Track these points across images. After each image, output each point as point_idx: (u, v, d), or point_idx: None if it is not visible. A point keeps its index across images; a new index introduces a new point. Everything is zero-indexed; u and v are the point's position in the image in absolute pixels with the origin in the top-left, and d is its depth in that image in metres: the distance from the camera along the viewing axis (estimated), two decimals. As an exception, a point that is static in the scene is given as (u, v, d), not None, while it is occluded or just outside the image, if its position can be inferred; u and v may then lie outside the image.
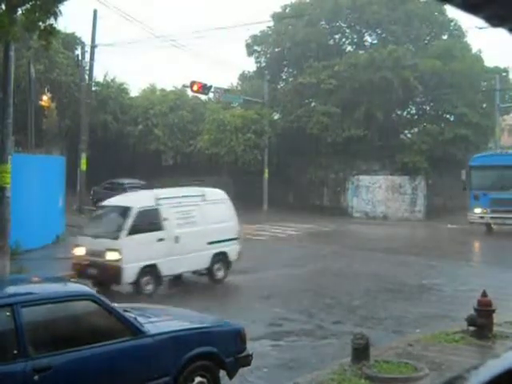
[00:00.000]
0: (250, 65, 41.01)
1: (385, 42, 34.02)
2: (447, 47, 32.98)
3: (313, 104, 34.28)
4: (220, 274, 14.12)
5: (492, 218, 23.84)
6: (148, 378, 6.00)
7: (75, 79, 31.43)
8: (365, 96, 31.29)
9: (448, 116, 33.62)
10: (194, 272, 14.08)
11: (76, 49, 33.23)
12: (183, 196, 13.90)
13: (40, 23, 12.86)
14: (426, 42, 35.84)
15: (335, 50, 35.61)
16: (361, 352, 7.49)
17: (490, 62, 36.00)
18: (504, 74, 34.43)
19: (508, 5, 1.18)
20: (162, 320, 6.85)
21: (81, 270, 12.50)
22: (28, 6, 12.90)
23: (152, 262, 12.41)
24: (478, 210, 24.05)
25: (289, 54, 36.56)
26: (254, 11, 67.74)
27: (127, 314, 6.14)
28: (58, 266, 14.21)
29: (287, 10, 37.33)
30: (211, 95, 33.98)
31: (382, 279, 14.86)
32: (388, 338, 9.52)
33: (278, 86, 37.43)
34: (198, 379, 6.39)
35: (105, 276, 12.25)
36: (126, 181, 29.97)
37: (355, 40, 37.33)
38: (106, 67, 54.06)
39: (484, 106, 33.41)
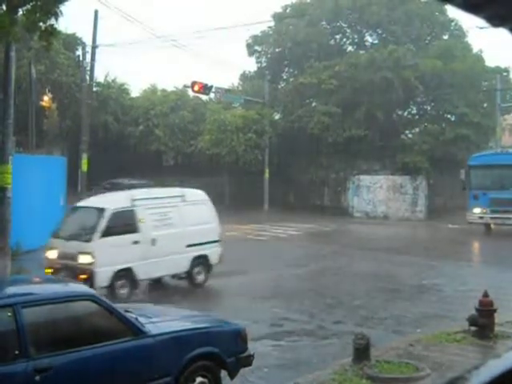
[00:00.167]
0: (251, 65, 41.10)
1: (385, 42, 34.03)
2: (448, 47, 32.98)
3: (313, 104, 34.30)
4: (200, 277, 13.61)
5: (492, 218, 23.54)
6: (149, 379, 6.00)
7: (76, 80, 31.44)
8: (365, 96, 31.29)
9: (449, 116, 33.63)
10: (173, 276, 13.56)
11: (77, 49, 33.24)
12: (161, 197, 13.43)
13: (41, 24, 12.86)
14: (426, 41, 35.85)
15: (336, 50, 35.62)
16: (362, 352, 7.49)
17: (490, 61, 35.99)
18: (505, 73, 34.42)
19: (509, 4, 1.18)
20: (163, 320, 6.85)
21: (53, 274, 11.75)
22: (29, 6, 12.91)
23: (127, 265, 11.97)
24: (477, 210, 23.74)
25: (289, 54, 36.58)
26: (255, 11, 67.82)
27: (128, 315, 6.14)
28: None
29: (288, 10, 37.35)
30: (212, 95, 34.01)
31: (383, 279, 14.86)
32: (389, 337, 9.52)
33: (279, 86, 37.45)
34: (199, 379, 6.39)
35: (77, 280, 11.27)
36: (126, 181, 29.97)
37: (356, 40, 37.35)
38: (107, 68, 53.98)
39: (485, 105, 33.43)
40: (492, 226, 24.14)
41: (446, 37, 36.24)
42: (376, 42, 36.15)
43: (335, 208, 32.46)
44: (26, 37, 18.95)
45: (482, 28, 22.47)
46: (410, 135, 35.42)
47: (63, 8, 13.19)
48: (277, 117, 36.16)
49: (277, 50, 37.55)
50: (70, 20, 28.31)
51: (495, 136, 33.13)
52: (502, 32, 1.28)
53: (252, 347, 7.25)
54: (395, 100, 32.11)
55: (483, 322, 8.69)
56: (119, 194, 13.66)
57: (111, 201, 13.10)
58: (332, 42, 37.00)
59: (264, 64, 38.30)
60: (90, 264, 11.52)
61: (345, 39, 37.78)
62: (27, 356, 5.20)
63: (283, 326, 10.31)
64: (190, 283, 13.49)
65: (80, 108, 29.54)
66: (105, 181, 30.45)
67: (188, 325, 6.90)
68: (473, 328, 8.82)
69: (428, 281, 14.49)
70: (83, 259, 11.62)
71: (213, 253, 13.77)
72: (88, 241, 11.85)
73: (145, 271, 12.32)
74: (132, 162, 36.66)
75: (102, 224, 11.92)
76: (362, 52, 34.81)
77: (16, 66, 16.56)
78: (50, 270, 11.80)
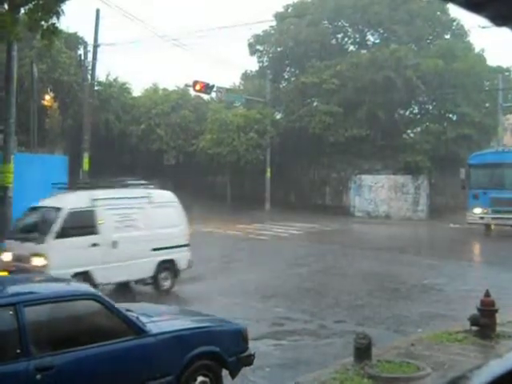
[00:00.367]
0: (253, 64, 41.11)
1: (387, 41, 34.02)
2: (450, 47, 32.96)
3: (315, 103, 34.29)
4: (166, 283, 12.91)
5: (493, 218, 23.01)
6: (150, 378, 6.00)
7: (78, 79, 31.44)
8: (367, 95, 31.28)
9: (450, 115, 33.61)
10: (137, 281, 12.77)
11: (78, 48, 33.25)
12: (124, 197, 12.55)
13: (43, 23, 12.89)
14: (428, 41, 35.81)
15: (337, 50, 35.61)
16: (363, 351, 7.48)
17: (492, 61, 35.98)
18: (507, 73, 34.37)
19: (511, 4, 1.18)
20: (164, 319, 6.86)
21: None
22: (31, 5, 12.94)
23: (84, 269, 11.12)
24: (477, 210, 23.21)
25: (291, 53, 36.57)
26: (257, 11, 67.75)
27: (129, 314, 6.15)
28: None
29: (289, 10, 37.35)
30: (213, 95, 34.00)
31: (384, 278, 14.86)
32: (390, 337, 9.52)
33: (281, 86, 37.45)
34: (200, 378, 6.39)
35: None
36: (127, 181, 29.96)
37: (357, 40, 37.33)
38: (109, 67, 53.98)
39: (487, 105, 33.42)
40: (492, 226, 23.76)
41: (447, 36, 36.20)
42: (378, 41, 36.15)
43: (337, 207, 32.45)
44: (28, 36, 18.98)
45: (484, 27, 22.48)
46: (411, 135, 35.39)
47: (65, 7, 13.22)
48: (278, 116, 36.17)
49: (278, 49, 37.55)
50: (72, 19, 28.34)
51: (497, 136, 33.10)
52: (504, 31, 1.28)
53: (253, 346, 7.25)
54: (397, 99, 32.09)
55: (485, 322, 8.69)
56: (78, 193, 12.89)
57: (69, 200, 12.25)
58: (333, 41, 36.99)
59: (265, 63, 38.30)
60: (43, 267, 10.78)
61: (346, 39, 37.77)
62: (29, 355, 5.20)
63: (284, 326, 10.31)
64: (156, 289, 12.74)
65: (81, 107, 29.58)
66: (105, 180, 30.46)
67: (189, 324, 6.91)
68: (474, 328, 8.82)
69: (429, 280, 14.48)
70: (36, 261, 10.96)
71: (180, 257, 13.04)
72: (41, 242, 11.20)
73: (104, 276, 11.46)
74: (133, 161, 36.70)
75: (57, 224, 11.28)
76: (363, 51, 34.80)
77: (18, 65, 16.59)
78: (4, 273, 10.82)
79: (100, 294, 6.19)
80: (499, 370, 1.37)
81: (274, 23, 37.29)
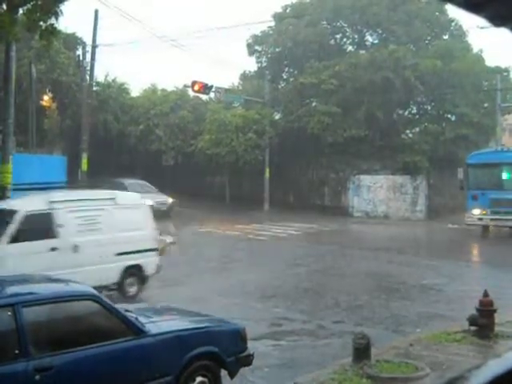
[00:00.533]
0: (251, 65, 41.16)
1: (386, 42, 34.02)
2: (448, 47, 32.98)
3: (314, 104, 34.28)
4: (133, 289, 12.28)
5: (492, 219, 22.46)
6: (149, 378, 6.01)
7: (76, 79, 31.45)
8: (366, 96, 31.29)
9: (449, 116, 33.61)
10: (101, 288, 11.75)
11: (77, 49, 33.24)
12: (86, 199, 11.97)
13: (41, 23, 12.89)
14: (426, 42, 35.82)
15: (336, 50, 35.61)
16: (362, 352, 7.49)
17: (491, 61, 36.00)
18: (505, 73, 34.38)
19: (510, 4, 1.18)
20: (163, 320, 6.86)
21: None
22: (29, 5, 12.93)
23: None
24: (476, 212, 22.63)
25: (290, 53, 36.56)
26: (255, 11, 67.78)
27: (128, 314, 6.15)
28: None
29: (288, 10, 37.33)
30: (212, 95, 34.01)
31: (383, 279, 14.87)
32: (389, 337, 9.53)
33: (279, 86, 37.44)
34: (199, 379, 6.40)
35: None
36: (127, 181, 29.98)
37: (356, 40, 37.33)
38: (107, 67, 54.12)
39: (485, 105, 33.41)
40: (491, 228, 23.26)
41: (446, 37, 36.20)
42: (376, 41, 36.13)
43: (335, 208, 32.46)
44: (27, 36, 18.97)
45: (482, 28, 22.52)
46: (410, 135, 35.40)
47: (63, 8, 13.22)
48: (277, 117, 36.14)
49: (277, 49, 37.53)
50: (70, 20, 28.32)
51: (495, 136, 33.11)
52: (502, 32, 1.28)
53: (252, 347, 7.26)
54: (395, 100, 32.11)
55: (483, 322, 8.70)
56: (37, 195, 12.20)
57: (25, 202, 11.64)
58: (332, 41, 36.98)
59: (264, 64, 38.29)
60: None
61: (345, 39, 37.77)
62: (27, 355, 5.21)
63: (283, 326, 10.32)
64: (121, 295, 11.96)
65: (80, 107, 29.57)
66: (105, 180, 30.45)
67: (188, 324, 6.91)
68: (473, 328, 8.83)
69: (428, 280, 14.50)
70: None
71: (148, 262, 12.38)
72: None
73: None
74: (132, 162, 36.70)
75: (12, 228, 10.65)
76: (362, 52, 34.79)
77: (16, 65, 16.58)
78: None
79: (99, 294, 6.19)
80: (498, 369, 1.37)
81: (272, 24, 37.31)
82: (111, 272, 11.67)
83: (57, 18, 13.09)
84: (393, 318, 10.92)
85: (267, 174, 33.32)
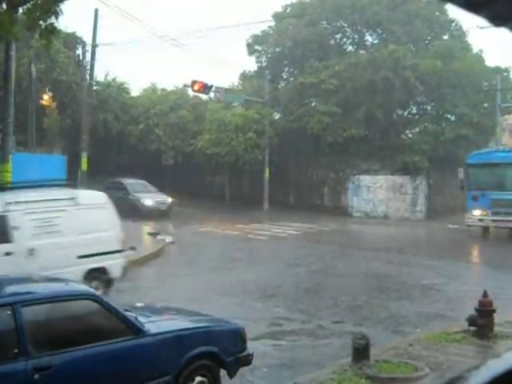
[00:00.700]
0: (251, 64, 41.05)
1: (385, 41, 34.00)
2: (448, 47, 32.97)
3: (313, 104, 34.28)
4: (97, 293, 11.69)
5: (493, 220, 21.98)
6: (149, 378, 6.00)
7: (76, 79, 31.45)
8: (365, 96, 31.29)
9: (449, 116, 33.61)
10: None
11: (77, 48, 33.24)
12: (45, 200, 11.06)
13: (41, 22, 12.88)
14: (426, 42, 35.82)
15: (336, 50, 35.61)
16: (361, 352, 7.48)
17: (491, 61, 36.03)
18: (505, 73, 34.39)
19: (510, 4, 1.18)
20: (162, 319, 6.86)
21: None
22: (29, 5, 12.93)
23: None
24: (477, 212, 22.19)
25: (289, 53, 36.56)
26: (255, 11, 67.80)
27: (128, 314, 6.15)
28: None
29: (288, 10, 37.33)
30: (212, 95, 34.00)
31: (383, 279, 14.87)
32: (388, 337, 9.53)
33: (279, 86, 37.44)
34: (198, 379, 6.39)
35: None
36: (126, 180, 30.00)
37: (356, 40, 37.33)
38: (107, 67, 54.05)
39: (485, 105, 33.40)
40: (491, 229, 22.88)
41: (446, 37, 36.21)
42: (376, 41, 36.13)
43: (335, 208, 32.46)
44: (27, 35, 18.96)
45: (482, 28, 22.50)
46: (409, 135, 35.40)
47: (63, 7, 13.22)
48: (277, 116, 36.14)
49: (277, 49, 37.54)
50: (70, 19, 28.31)
51: (495, 136, 33.11)
52: (502, 32, 1.28)
53: (251, 346, 7.25)
54: (395, 100, 32.10)
55: (482, 322, 8.70)
56: None
57: None
58: (332, 41, 36.98)
59: (264, 63, 38.29)
60: None
61: (345, 39, 37.76)
62: (27, 355, 5.21)
63: (283, 326, 10.31)
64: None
65: (80, 107, 29.57)
66: (105, 180, 30.45)
67: (187, 324, 6.91)
68: (472, 328, 8.83)
69: (428, 281, 14.50)
70: None
71: (113, 265, 11.65)
72: None
73: None
74: (132, 161, 36.70)
75: None
76: (362, 52, 34.79)
77: (16, 64, 16.57)
78: None
79: (98, 294, 6.19)
80: (497, 370, 1.37)
81: (272, 23, 37.33)
82: (72, 276, 10.52)
83: (57, 18, 13.09)
84: (392, 318, 10.92)
85: (267, 174, 33.32)
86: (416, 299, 12.71)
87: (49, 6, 12.71)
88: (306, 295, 13.00)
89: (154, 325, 6.34)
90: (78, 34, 34.21)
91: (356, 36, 37.30)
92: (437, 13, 35.31)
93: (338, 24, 36.79)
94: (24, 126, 25.13)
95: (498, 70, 33.52)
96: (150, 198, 28.75)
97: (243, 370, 7.11)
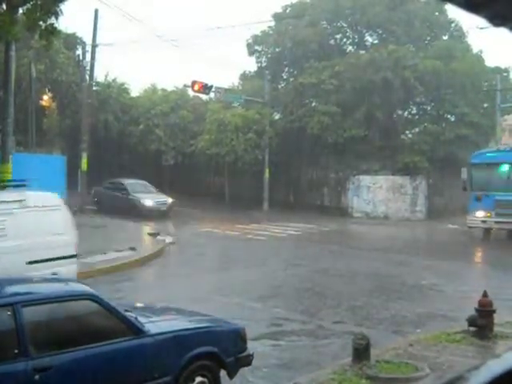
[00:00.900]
0: (251, 65, 41.06)
1: (385, 42, 34.00)
2: (448, 47, 32.98)
3: (313, 104, 34.27)
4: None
5: (496, 222, 21.27)
6: (149, 378, 6.00)
7: (76, 79, 31.47)
8: (365, 96, 31.29)
9: (449, 116, 33.59)
10: None
11: (77, 49, 33.27)
12: None
13: (41, 23, 12.89)
14: (426, 42, 35.84)
15: (336, 50, 35.61)
16: (361, 352, 7.48)
17: (490, 62, 36.04)
18: (505, 74, 34.43)
19: (510, 4, 1.18)
20: (162, 320, 6.86)
21: None
22: (29, 5, 12.93)
23: None
24: (480, 214, 21.51)
25: (289, 54, 36.57)
26: (255, 11, 67.80)
27: (128, 314, 6.14)
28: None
29: (288, 11, 37.34)
30: (212, 95, 33.97)
31: (383, 279, 14.87)
32: (388, 338, 9.53)
33: (279, 86, 37.44)
34: (198, 379, 6.39)
35: None
36: (126, 181, 29.99)
37: (356, 40, 37.34)
38: (107, 67, 54.13)
39: (485, 105, 33.41)
40: (492, 231, 22.31)
41: (445, 37, 36.24)
42: (376, 42, 36.13)
43: (335, 208, 32.46)
44: (27, 36, 18.97)
45: (482, 28, 22.45)
46: (409, 135, 35.39)
47: (63, 7, 13.22)
48: (277, 117, 36.14)
49: (277, 49, 37.54)
50: (71, 19, 28.33)
51: (495, 136, 33.13)
52: (502, 32, 1.28)
53: (251, 347, 7.25)
54: (395, 100, 32.10)
55: (482, 323, 8.70)
56: None
57: None
58: (332, 42, 36.98)
59: (264, 64, 38.29)
60: None
61: (345, 39, 37.77)
62: (27, 355, 5.20)
63: (283, 326, 10.31)
64: None
65: (80, 107, 29.60)
66: (105, 180, 30.47)
67: (188, 324, 6.90)
68: (472, 328, 8.83)
69: (428, 281, 14.50)
70: None
71: (66, 271, 10.62)
72: None
73: None
74: (132, 162, 36.71)
75: None
76: (362, 52, 34.79)
77: (16, 65, 16.57)
78: None
79: (98, 294, 6.18)
80: (497, 370, 1.37)
81: (272, 24, 37.33)
82: None
83: (57, 18, 13.10)
84: (392, 319, 10.92)
85: (267, 174, 33.32)
86: (416, 299, 12.70)
87: (49, 7, 12.72)
88: (306, 295, 13.00)
89: (154, 325, 6.33)
90: (78, 34, 34.28)
91: (356, 36, 37.31)
92: (436, 13, 35.34)
93: (338, 24, 36.79)
94: (24, 127, 25.13)
95: (497, 71, 33.55)
96: (150, 199, 28.75)
97: (243, 371, 7.11)
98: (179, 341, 6.31)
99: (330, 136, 31.95)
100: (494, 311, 8.79)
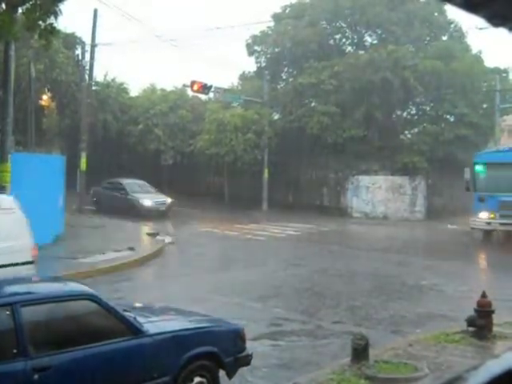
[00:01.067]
0: (250, 65, 41.05)
1: (385, 42, 34.01)
2: (447, 48, 33.00)
3: (313, 104, 34.28)
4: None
5: (501, 223, 20.74)
6: (147, 378, 6.00)
7: (75, 79, 31.45)
8: (365, 96, 31.30)
9: (448, 116, 33.60)
10: None
11: (76, 48, 33.25)
12: None
13: (40, 23, 12.88)
14: (425, 42, 35.85)
15: (335, 51, 35.61)
16: (360, 352, 7.49)
17: (490, 62, 36.06)
18: (504, 74, 34.46)
19: (510, 3, 1.18)
20: (161, 320, 6.86)
21: None
22: (28, 5, 12.93)
23: None
24: (484, 215, 21.02)
25: (289, 54, 36.56)
26: (255, 11, 67.84)
27: (127, 314, 6.14)
28: (57, 266, 14.21)
29: (287, 11, 37.34)
30: (211, 95, 33.98)
31: (382, 279, 14.87)
32: (388, 338, 9.53)
33: (278, 86, 37.43)
34: (197, 379, 6.39)
35: None
36: (125, 181, 29.98)
37: (355, 40, 37.34)
38: (106, 67, 54.12)
39: (484, 106, 33.44)
40: (494, 232, 22.02)
41: (445, 37, 36.25)
42: (375, 42, 36.13)
43: (334, 208, 32.47)
44: (26, 36, 18.95)
45: (481, 28, 22.43)
46: (409, 135, 35.42)
47: (62, 7, 13.22)
48: (276, 117, 36.14)
49: (276, 50, 37.52)
50: (70, 19, 28.34)
51: (494, 137, 33.16)
52: (501, 32, 1.28)
53: (251, 347, 7.25)
54: (394, 100, 32.12)
55: (481, 323, 8.71)
56: None
57: None
58: (331, 42, 36.98)
59: (263, 64, 38.28)
60: None
61: (344, 39, 37.77)
62: (26, 355, 5.20)
63: (282, 326, 10.31)
64: None
65: (79, 107, 29.58)
66: (104, 180, 30.45)
67: (187, 324, 6.90)
68: (471, 328, 8.83)
69: (427, 281, 14.50)
70: None
71: None
72: None
73: None
74: (131, 162, 36.68)
75: None
76: (361, 52, 34.79)
77: (15, 64, 16.55)
78: None
79: (97, 294, 6.18)
80: (496, 370, 1.37)
81: (271, 24, 37.33)
82: None
83: (56, 18, 13.09)
84: (392, 319, 10.92)
85: (266, 174, 33.33)
86: (415, 299, 12.72)
87: (48, 7, 12.71)
88: (306, 295, 13.00)
89: (153, 325, 6.33)
90: (78, 34, 34.25)
91: (355, 36, 37.30)
92: (436, 13, 35.35)
93: (338, 24, 36.80)
94: (23, 126, 25.10)
95: (497, 71, 33.58)
96: (149, 199, 28.75)
97: (242, 371, 7.11)
98: (178, 341, 6.30)
99: (330, 136, 31.96)
100: (492, 312, 8.80)
